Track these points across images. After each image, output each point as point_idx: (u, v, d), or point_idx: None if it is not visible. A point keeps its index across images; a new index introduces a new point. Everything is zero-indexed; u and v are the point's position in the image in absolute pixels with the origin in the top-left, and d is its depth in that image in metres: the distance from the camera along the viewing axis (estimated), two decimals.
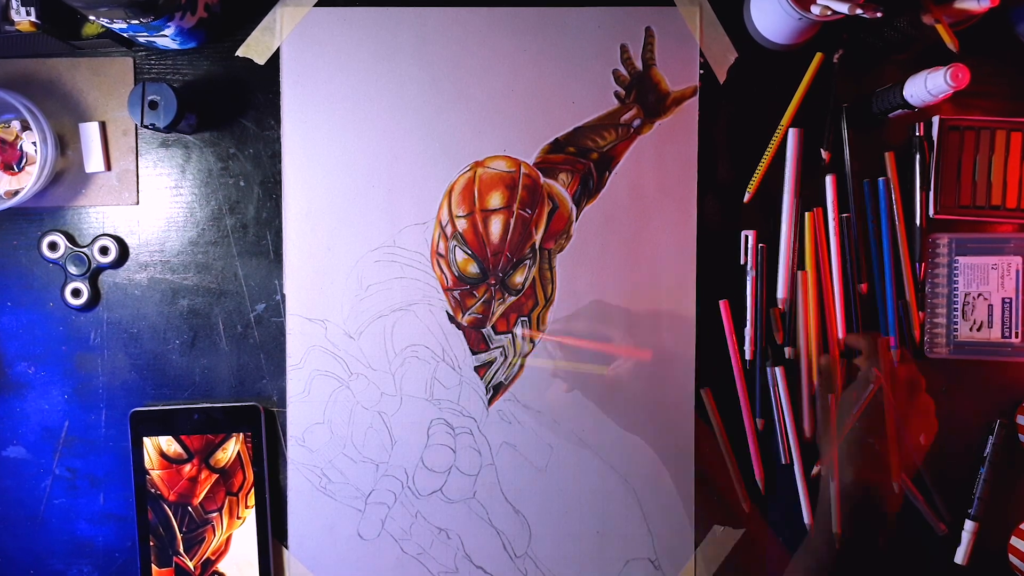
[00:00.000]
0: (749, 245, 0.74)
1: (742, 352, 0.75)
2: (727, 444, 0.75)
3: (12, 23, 0.66)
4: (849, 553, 0.64)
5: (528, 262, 0.75)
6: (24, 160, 0.72)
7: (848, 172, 0.74)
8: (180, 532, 0.73)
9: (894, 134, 0.75)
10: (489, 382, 0.75)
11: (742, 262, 0.75)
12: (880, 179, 0.74)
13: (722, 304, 0.75)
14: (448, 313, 0.75)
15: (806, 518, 0.75)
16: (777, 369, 0.74)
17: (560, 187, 0.75)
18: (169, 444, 0.73)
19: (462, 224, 0.75)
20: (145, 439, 0.73)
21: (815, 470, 0.70)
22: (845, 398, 0.68)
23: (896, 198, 0.74)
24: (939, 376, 0.75)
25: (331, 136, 0.74)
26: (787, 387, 0.75)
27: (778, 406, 0.75)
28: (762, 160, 0.74)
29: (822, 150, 0.74)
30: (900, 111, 0.72)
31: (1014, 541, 0.75)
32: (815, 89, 0.74)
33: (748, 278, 0.74)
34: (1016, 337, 0.74)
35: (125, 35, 0.69)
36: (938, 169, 0.74)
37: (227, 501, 0.73)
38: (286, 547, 0.75)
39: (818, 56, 0.74)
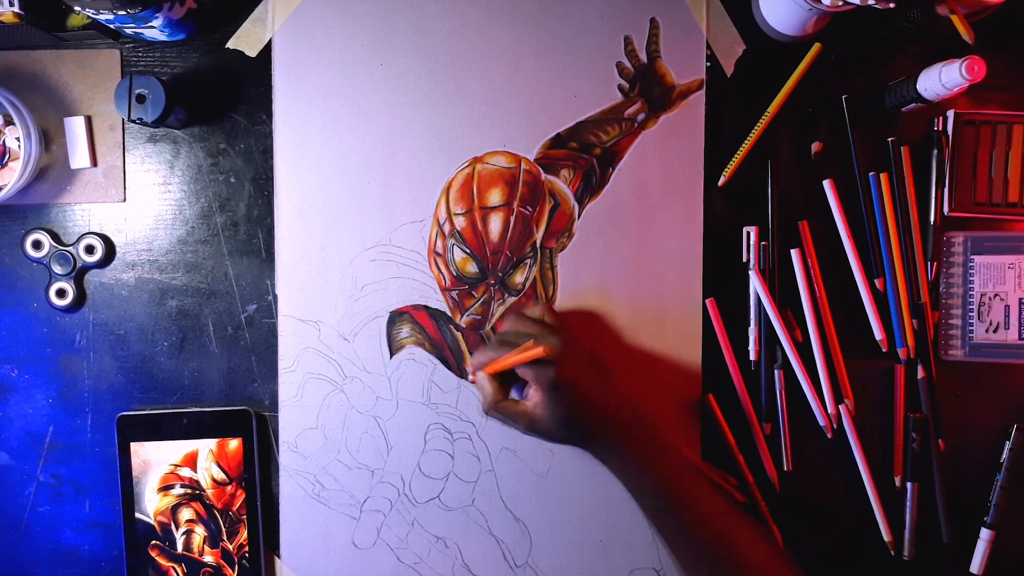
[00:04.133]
0: (751, 242, 0.72)
1: (748, 353, 0.73)
2: (736, 450, 0.72)
3: None
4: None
5: (529, 261, 0.73)
6: (7, 156, 0.70)
7: (855, 166, 0.72)
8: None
9: (907, 129, 0.73)
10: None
11: (744, 259, 0.72)
12: (871, 175, 0.73)
13: (709, 303, 0.72)
14: (446, 314, 0.73)
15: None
16: (784, 371, 0.72)
17: (562, 184, 0.73)
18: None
19: (460, 222, 0.72)
20: (132, 444, 0.71)
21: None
22: None
23: (911, 194, 0.72)
24: (954, 379, 0.73)
25: (325, 131, 0.72)
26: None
27: (784, 409, 0.73)
28: (741, 147, 0.72)
29: (812, 145, 0.72)
30: (913, 105, 0.70)
31: None
32: (819, 81, 0.73)
33: (752, 275, 0.72)
34: None
35: (112, 26, 0.68)
36: (953, 165, 0.72)
37: None
38: (278, 556, 0.73)
39: (816, 46, 0.72)
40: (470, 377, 0.72)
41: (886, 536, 0.72)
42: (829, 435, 0.72)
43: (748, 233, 0.72)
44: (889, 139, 0.72)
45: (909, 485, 0.72)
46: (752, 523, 0.62)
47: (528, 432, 0.64)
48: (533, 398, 0.63)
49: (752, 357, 0.73)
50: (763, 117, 0.72)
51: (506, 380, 0.66)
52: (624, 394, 0.65)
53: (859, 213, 0.73)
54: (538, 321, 0.67)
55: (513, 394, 0.66)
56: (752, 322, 0.73)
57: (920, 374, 0.72)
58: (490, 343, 0.68)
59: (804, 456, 0.73)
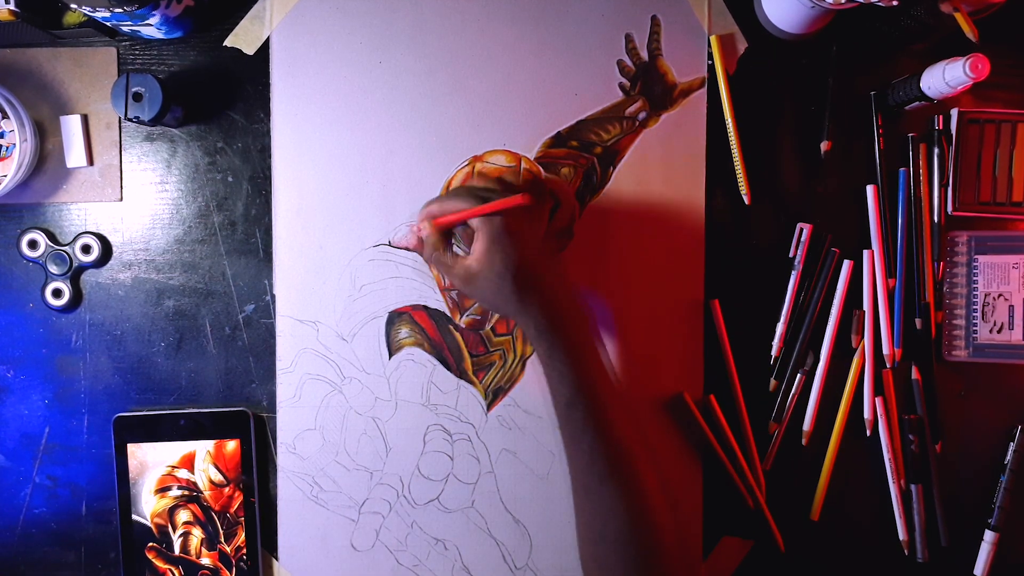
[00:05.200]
0: (803, 239, 0.71)
1: (768, 348, 0.73)
2: (736, 448, 0.72)
3: None
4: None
5: None
6: (1, 153, 0.69)
7: (878, 164, 0.72)
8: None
9: (911, 127, 0.72)
10: (488, 386, 0.72)
11: (791, 255, 0.72)
12: (901, 171, 0.72)
13: (713, 304, 0.72)
14: (445, 314, 0.72)
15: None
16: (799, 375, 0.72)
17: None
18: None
19: None
20: (129, 446, 0.70)
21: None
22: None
23: (924, 192, 0.72)
24: (957, 380, 0.73)
25: (323, 130, 0.71)
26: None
27: (789, 412, 0.72)
28: (735, 160, 0.72)
29: (821, 144, 0.72)
30: (917, 103, 0.69)
31: None
32: (818, 79, 0.72)
33: (793, 273, 0.71)
34: None
35: (108, 24, 0.67)
36: (957, 164, 0.71)
37: None
38: (276, 558, 0.72)
39: (714, 38, 0.71)
40: (416, 227, 0.68)
41: (902, 535, 0.72)
42: (868, 432, 0.72)
43: (801, 230, 0.72)
44: (910, 135, 0.72)
45: (913, 488, 0.72)
46: (650, 449, 0.61)
47: (464, 289, 0.62)
48: (476, 249, 0.60)
49: (774, 353, 0.72)
50: (727, 123, 0.72)
51: (451, 234, 0.64)
52: (571, 285, 0.64)
53: (862, 213, 0.72)
54: (506, 181, 0.64)
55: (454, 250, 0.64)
56: (783, 318, 0.72)
57: (914, 375, 0.72)
58: (448, 195, 0.64)
59: (814, 455, 0.73)
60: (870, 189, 0.72)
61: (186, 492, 0.71)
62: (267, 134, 0.71)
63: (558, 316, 0.60)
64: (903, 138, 0.72)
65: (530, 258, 0.60)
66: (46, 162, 0.71)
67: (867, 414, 0.72)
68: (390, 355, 0.72)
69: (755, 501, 0.72)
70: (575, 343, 0.60)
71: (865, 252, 0.72)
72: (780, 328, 0.72)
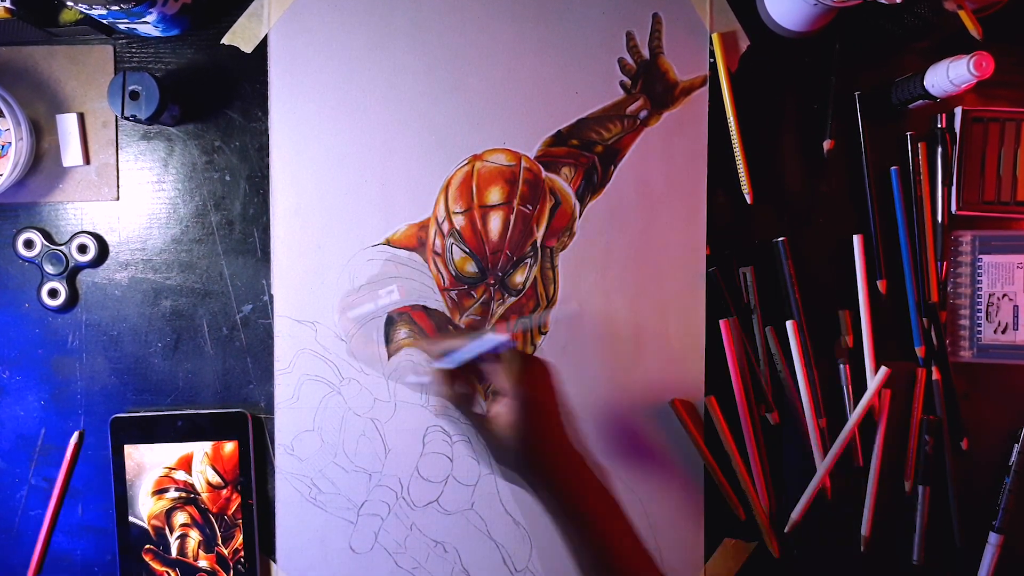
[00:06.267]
0: (748, 283, 0.71)
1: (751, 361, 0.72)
2: (735, 452, 0.71)
3: None
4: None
5: (529, 261, 0.71)
6: None
7: (865, 165, 0.71)
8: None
9: (914, 126, 0.72)
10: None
11: (745, 301, 0.72)
12: (893, 170, 0.72)
13: (723, 324, 0.71)
14: (445, 315, 0.72)
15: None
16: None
17: (563, 182, 0.72)
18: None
19: (459, 221, 0.71)
20: (126, 447, 0.70)
21: None
22: None
23: (926, 191, 0.71)
24: (961, 380, 0.72)
25: (321, 128, 0.71)
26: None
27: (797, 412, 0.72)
28: (737, 159, 0.71)
29: (824, 143, 0.71)
30: (921, 102, 0.69)
31: None
32: (821, 77, 0.72)
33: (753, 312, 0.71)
34: None
35: (105, 22, 0.67)
36: (961, 163, 0.71)
37: None
38: (274, 561, 0.71)
39: (716, 36, 0.71)
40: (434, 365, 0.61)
41: (864, 531, 0.71)
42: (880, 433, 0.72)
43: (744, 274, 0.71)
44: (908, 133, 0.71)
45: (920, 489, 0.71)
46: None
47: (485, 439, 0.61)
48: (507, 408, 0.59)
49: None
50: (730, 122, 0.71)
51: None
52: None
53: (865, 212, 0.72)
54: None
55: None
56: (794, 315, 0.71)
57: (935, 375, 0.71)
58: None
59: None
60: (867, 189, 0.71)
61: (183, 494, 0.70)
62: (265, 133, 0.71)
63: (564, 476, 0.61)
64: (905, 137, 0.72)
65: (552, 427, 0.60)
66: (42, 161, 0.70)
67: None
68: (389, 356, 0.72)
69: (749, 509, 0.71)
70: (570, 486, 0.61)
71: (857, 252, 0.71)
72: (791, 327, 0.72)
